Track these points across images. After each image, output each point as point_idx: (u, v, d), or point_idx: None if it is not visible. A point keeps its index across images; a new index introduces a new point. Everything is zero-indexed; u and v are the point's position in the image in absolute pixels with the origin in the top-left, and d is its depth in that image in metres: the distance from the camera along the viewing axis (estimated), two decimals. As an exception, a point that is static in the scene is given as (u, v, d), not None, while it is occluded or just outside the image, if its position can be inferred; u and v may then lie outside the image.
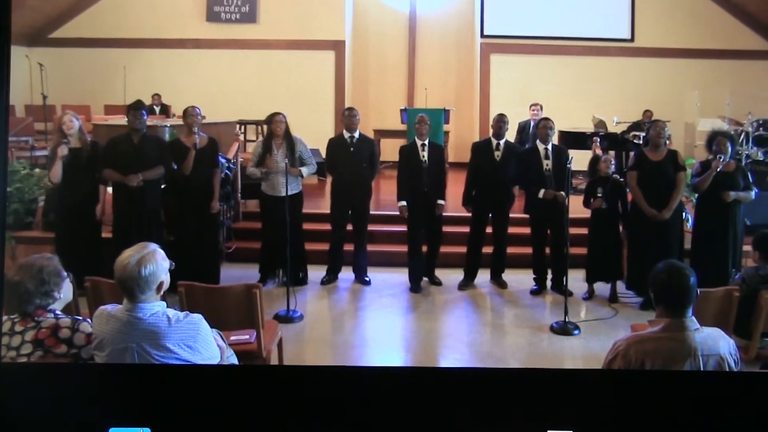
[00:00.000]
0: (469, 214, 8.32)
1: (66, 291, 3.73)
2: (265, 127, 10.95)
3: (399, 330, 7.25)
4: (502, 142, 8.17)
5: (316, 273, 8.33)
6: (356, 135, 8.26)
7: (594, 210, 7.85)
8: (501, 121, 8.23)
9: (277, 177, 7.88)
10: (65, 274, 3.74)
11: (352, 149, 8.21)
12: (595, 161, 8.06)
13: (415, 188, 8.09)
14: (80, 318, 3.66)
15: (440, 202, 8.20)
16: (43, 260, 3.68)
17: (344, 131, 8.31)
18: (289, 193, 7.75)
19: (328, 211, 8.54)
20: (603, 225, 7.82)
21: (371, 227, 8.68)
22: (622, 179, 8.01)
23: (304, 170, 8.00)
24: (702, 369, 3.34)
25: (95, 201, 7.74)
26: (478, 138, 12.56)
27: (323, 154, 8.75)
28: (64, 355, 3.53)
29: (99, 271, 6.01)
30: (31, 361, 3.49)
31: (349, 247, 8.42)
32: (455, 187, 8.42)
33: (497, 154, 8.13)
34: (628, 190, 7.90)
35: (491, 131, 8.33)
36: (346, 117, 8.35)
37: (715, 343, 3.40)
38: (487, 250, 8.31)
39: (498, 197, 8.17)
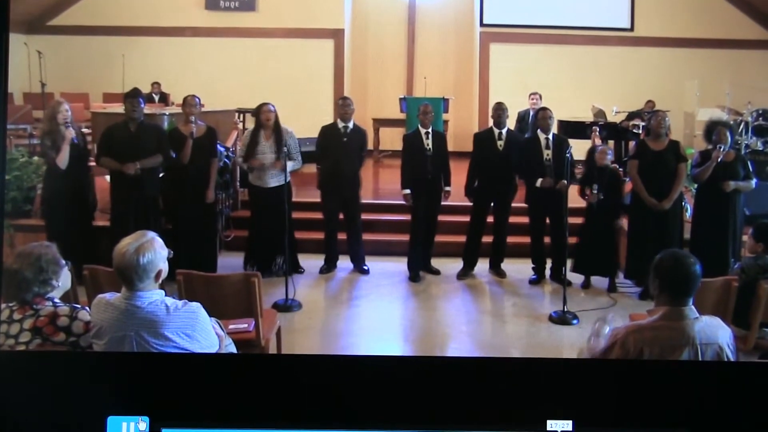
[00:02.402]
0: (469, 203, 8.31)
1: (64, 279, 3.73)
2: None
3: (397, 319, 7.26)
4: (504, 131, 8.14)
5: (314, 262, 8.32)
6: (350, 125, 8.23)
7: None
8: (500, 109, 8.19)
9: (264, 168, 7.88)
10: (63, 262, 3.74)
11: (345, 139, 8.19)
12: (593, 151, 8.06)
13: (419, 176, 8.07)
14: (78, 306, 3.66)
15: (447, 188, 8.19)
16: (41, 248, 3.68)
17: (338, 120, 8.29)
18: (275, 184, 7.80)
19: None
20: (597, 216, 7.80)
21: (370, 216, 8.68)
22: (621, 169, 7.99)
23: (289, 164, 7.89)
24: (700, 358, 3.34)
25: (87, 190, 7.75)
26: (477, 127, 12.59)
27: (321, 143, 8.72)
28: (63, 343, 3.53)
29: (97, 259, 6.02)
30: (29, 349, 3.49)
31: (344, 236, 8.41)
32: (455, 176, 8.41)
33: (500, 143, 8.10)
34: (626, 180, 7.89)
35: (491, 121, 8.30)
36: (340, 106, 8.34)
37: (713, 333, 3.41)
38: (486, 239, 8.31)
39: (501, 187, 8.16)
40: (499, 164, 8.09)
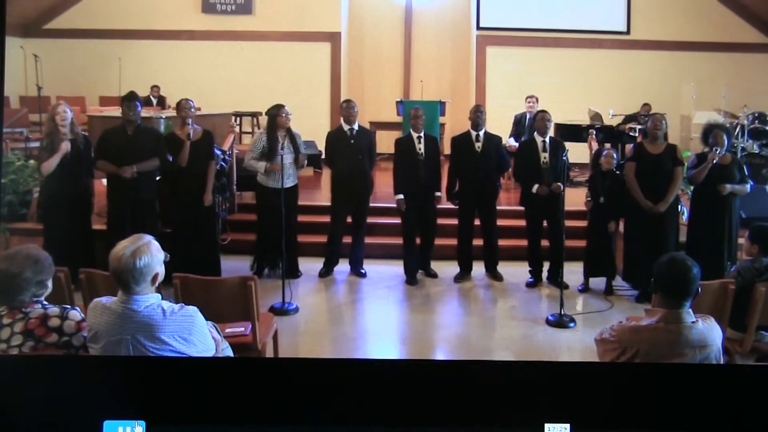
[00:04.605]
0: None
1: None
2: (259, 118, 10.94)
3: (395, 322, 7.25)
4: (481, 133, 8.15)
5: (311, 265, 8.31)
6: (355, 127, 8.23)
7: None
8: (478, 111, 8.22)
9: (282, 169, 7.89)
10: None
11: (352, 141, 8.19)
12: (597, 155, 8.07)
13: (411, 181, 8.07)
14: (68, 307, 3.65)
15: (437, 194, 8.19)
16: (36, 250, 3.68)
17: (343, 123, 8.28)
18: (289, 185, 7.84)
19: (323, 203, 8.52)
20: (600, 220, 7.80)
21: (368, 219, 8.68)
22: (618, 172, 8.00)
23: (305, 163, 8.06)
24: (697, 361, 3.35)
25: (87, 194, 7.73)
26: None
27: (319, 145, 8.75)
28: (56, 344, 3.53)
29: (93, 263, 6.01)
30: (22, 352, 3.48)
31: (346, 239, 8.41)
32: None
33: (478, 145, 8.11)
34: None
35: (469, 123, 8.31)
36: (344, 109, 8.32)
37: (710, 336, 3.41)
38: (480, 242, 8.31)
39: (482, 189, 8.15)
40: (478, 166, 8.09)
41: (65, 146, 7.37)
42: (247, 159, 8.10)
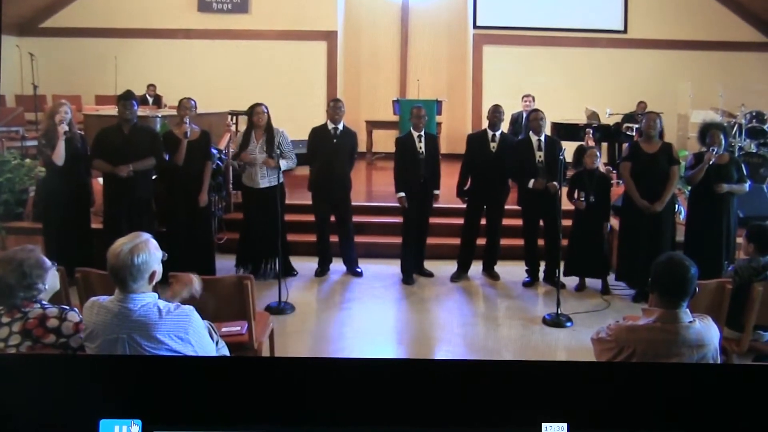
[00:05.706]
0: (462, 206, 8.31)
1: (52, 281, 3.70)
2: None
3: (391, 322, 7.23)
4: (497, 133, 8.14)
5: (307, 264, 8.31)
6: (340, 126, 8.20)
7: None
8: (497, 112, 8.20)
9: (255, 169, 7.90)
10: (49, 264, 3.70)
11: (335, 140, 8.17)
12: (580, 152, 8.04)
13: (412, 179, 8.05)
14: (67, 307, 3.64)
15: (436, 192, 8.19)
16: (22, 253, 3.64)
17: (328, 122, 8.26)
18: (268, 185, 7.80)
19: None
20: (586, 219, 7.78)
21: (364, 219, 8.66)
22: (614, 171, 7.99)
23: (283, 163, 7.90)
24: (694, 360, 3.35)
25: (85, 192, 7.71)
26: (471, 129, 12.60)
27: (312, 144, 8.69)
28: (53, 345, 3.51)
29: (90, 262, 5.99)
30: (20, 351, 3.47)
31: (336, 239, 8.41)
32: (447, 178, 8.42)
33: (493, 145, 8.10)
34: (619, 183, 7.87)
35: (487, 122, 8.31)
36: (331, 108, 8.30)
37: (707, 335, 3.41)
38: (480, 241, 8.30)
39: (493, 189, 8.14)
40: (491, 166, 8.07)
41: (62, 129, 7.32)
42: (230, 159, 8.14)
